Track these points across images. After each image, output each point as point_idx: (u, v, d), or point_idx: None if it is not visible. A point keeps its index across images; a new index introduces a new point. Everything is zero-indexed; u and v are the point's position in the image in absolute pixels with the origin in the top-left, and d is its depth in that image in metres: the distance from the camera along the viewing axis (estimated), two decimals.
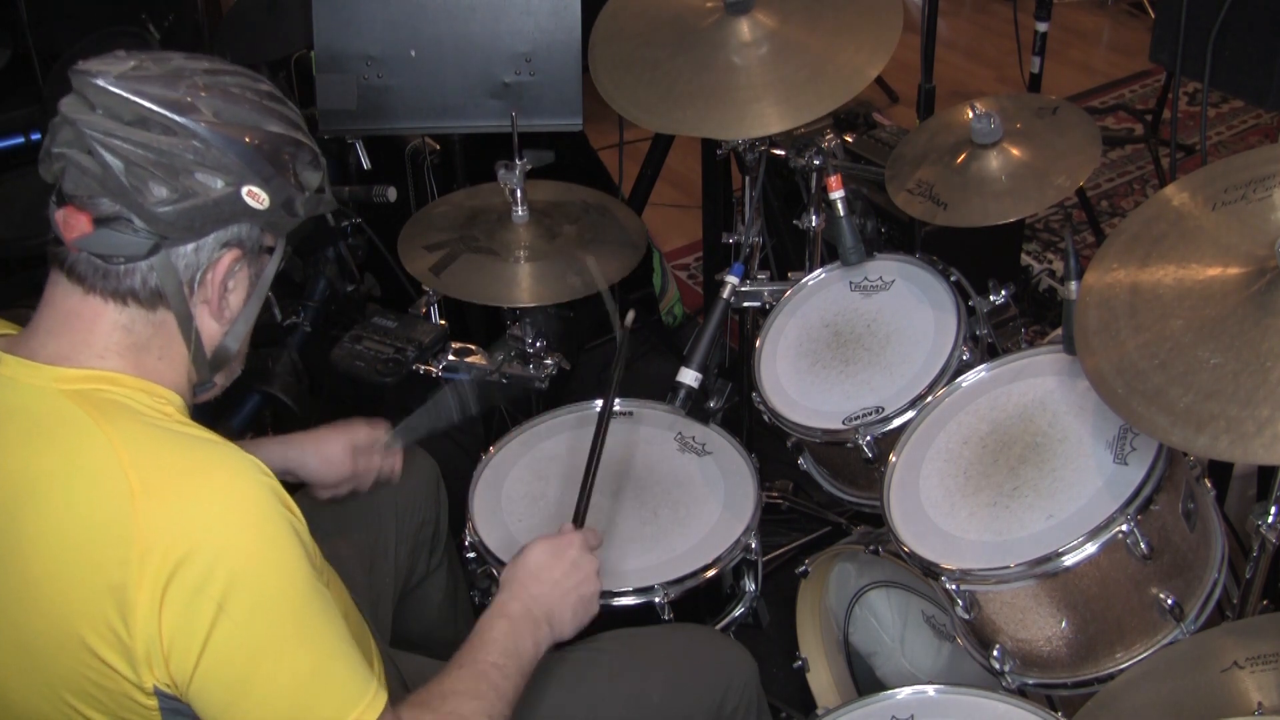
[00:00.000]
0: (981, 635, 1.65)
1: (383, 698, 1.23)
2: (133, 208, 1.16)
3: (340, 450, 1.72)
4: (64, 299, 1.21)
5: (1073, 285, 1.65)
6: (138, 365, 1.22)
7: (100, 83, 1.15)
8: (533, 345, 2.14)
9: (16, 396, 1.19)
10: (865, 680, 2.11)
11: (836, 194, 2.03)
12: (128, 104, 1.15)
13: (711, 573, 1.84)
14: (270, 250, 1.28)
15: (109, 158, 1.15)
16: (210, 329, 1.27)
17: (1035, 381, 1.76)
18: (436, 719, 1.30)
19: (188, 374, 1.27)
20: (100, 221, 1.16)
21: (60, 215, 1.18)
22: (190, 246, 1.20)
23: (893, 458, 1.78)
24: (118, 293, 1.20)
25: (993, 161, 1.97)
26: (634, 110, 2.02)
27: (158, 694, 1.16)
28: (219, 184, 1.18)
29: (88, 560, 1.12)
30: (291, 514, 1.18)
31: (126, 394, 1.20)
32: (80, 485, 1.14)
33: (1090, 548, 1.51)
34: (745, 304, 2.18)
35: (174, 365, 1.25)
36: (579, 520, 1.61)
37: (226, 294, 1.25)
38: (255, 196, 1.21)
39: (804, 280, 2.11)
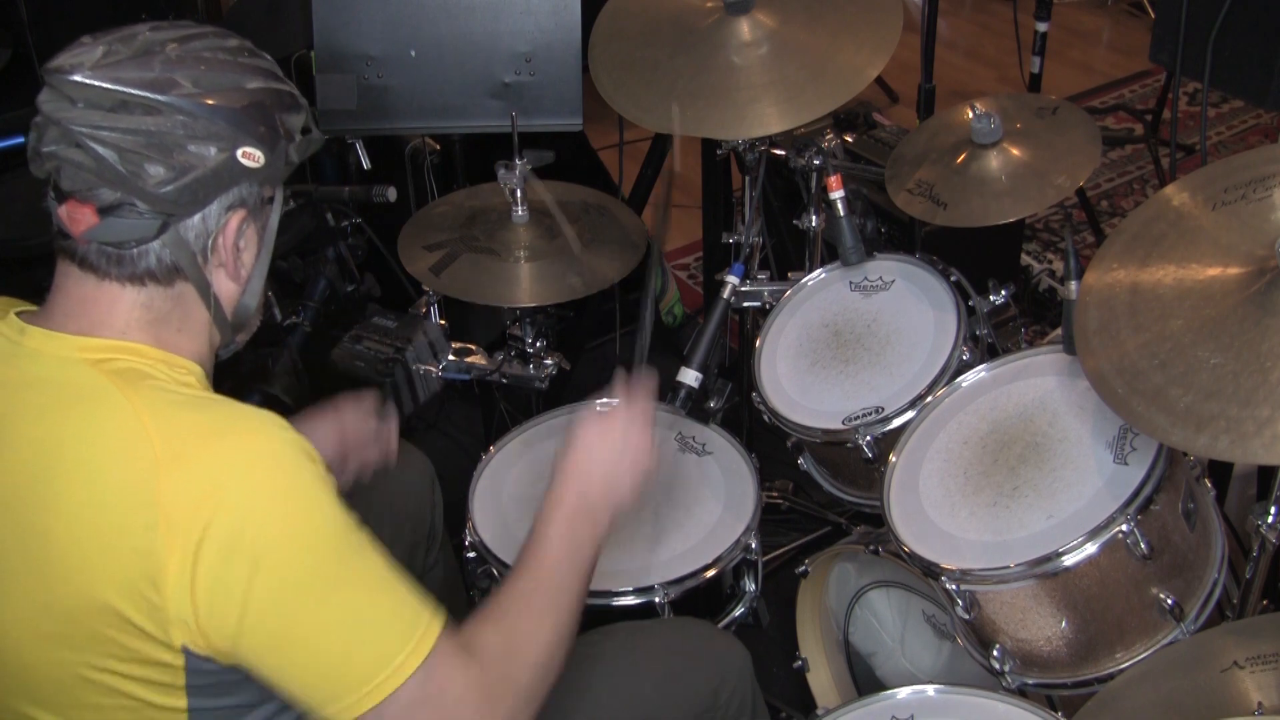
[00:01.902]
0: (981, 635, 1.65)
1: (439, 620, 1.22)
2: (134, 192, 1.16)
3: (328, 436, 1.67)
4: (78, 287, 1.22)
5: (1073, 285, 1.66)
6: (158, 339, 1.23)
7: (76, 78, 1.15)
8: (533, 345, 2.14)
9: (40, 367, 1.20)
10: (865, 680, 2.11)
11: (836, 194, 2.03)
12: (107, 93, 1.15)
13: (711, 573, 1.84)
14: (270, 200, 1.29)
15: (100, 150, 1.15)
16: (228, 290, 1.28)
17: (1035, 381, 1.76)
18: (498, 631, 1.28)
19: (209, 340, 1.28)
20: (104, 211, 1.17)
21: (63, 211, 1.18)
22: (197, 217, 1.21)
23: (893, 458, 1.78)
24: (135, 275, 1.21)
25: (993, 161, 1.97)
26: (634, 110, 2.02)
27: (185, 653, 1.16)
28: (213, 152, 1.19)
29: (114, 525, 1.13)
30: (315, 463, 1.18)
31: (149, 364, 1.21)
32: (105, 451, 1.15)
33: (1090, 548, 1.51)
34: (745, 304, 2.18)
35: (194, 334, 1.26)
36: (637, 365, 1.49)
37: (239, 253, 1.27)
38: (250, 156, 1.21)
39: (804, 280, 2.11)
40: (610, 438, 1.44)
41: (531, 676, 1.29)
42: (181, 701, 1.20)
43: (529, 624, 1.31)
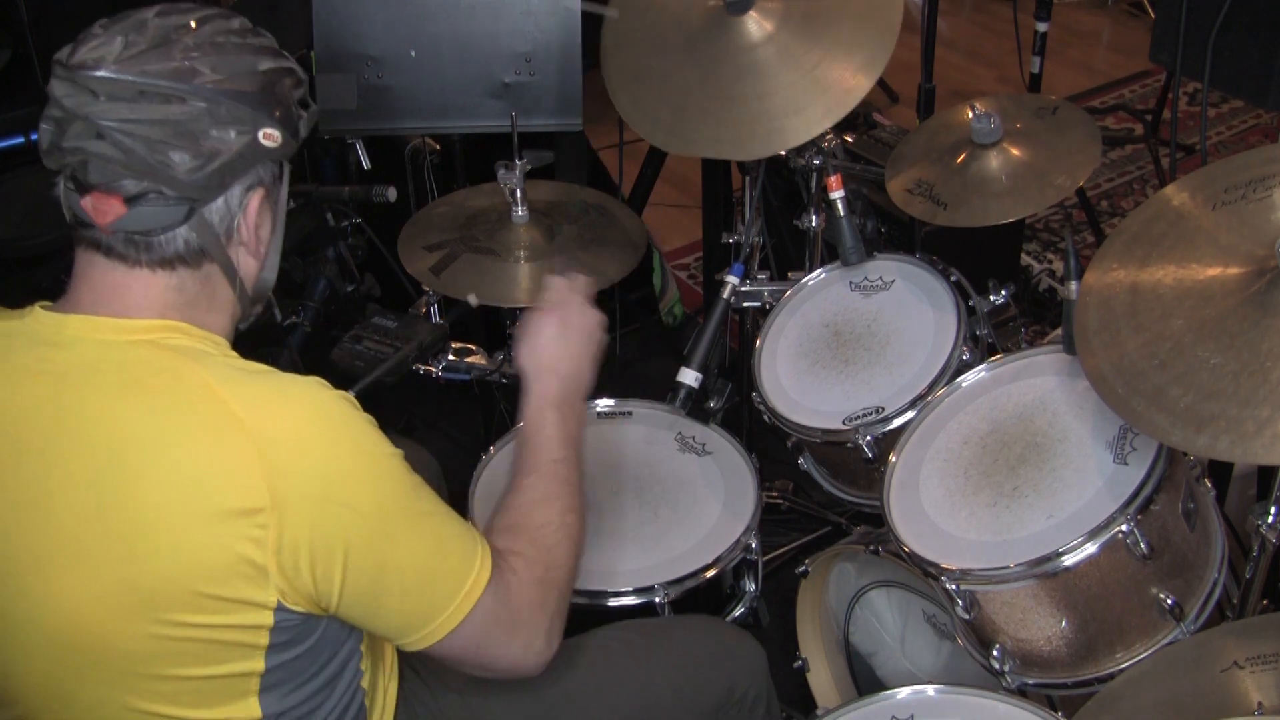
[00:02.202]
0: (981, 635, 1.65)
1: (487, 545, 1.32)
2: (161, 181, 1.19)
3: None
4: (105, 275, 1.23)
5: (1073, 285, 1.65)
6: (193, 319, 1.26)
7: (102, 73, 1.16)
8: None
9: (91, 351, 1.22)
10: (865, 680, 2.11)
11: (836, 194, 2.03)
12: (131, 85, 1.17)
13: (711, 573, 1.84)
14: (281, 176, 1.32)
15: (129, 141, 1.17)
16: (249, 267, 1.32)
17: (1035, 381, 1.76)
18: (529, 539, 1.38)
19: (232, 316, 1.32)
20: (131, 201, 1.19)
21: (88, 203, 1.19)
22: (220, 200, 1.24)
23: (893, 458, 1.78)
24: (164, 260, 1.23)
25: (993, 161, 1.97)
26: (651, 129, 2.02)
27: (278, 609, 1.20)
28: (233, 135, 1.22)
29: (207, 490, 1.15)
30: (361, 409, 1.25)
31: (195, 341, 1.25)
32: (186, 422, 1.17)
33: (1090, 547, 1.51)
34: (745, 304, 2.18)
35: (221, 311, 1.30)
36: (560, 270, 1.64)
37: (258, 230, 1.30)
38: (270, 137, 1.25)
39: (804, 280, 2.11)
40: (565, 328, 1.55)
41: (566, 564, 1.40)
42: (260, 665, 1.24)
43: (549, 528, 1.41)
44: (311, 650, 1.28)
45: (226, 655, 1.22)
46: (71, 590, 1.19)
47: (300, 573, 1.18)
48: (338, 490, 1.19)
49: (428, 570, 1.26)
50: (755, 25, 2.00)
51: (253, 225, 1.28)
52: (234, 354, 1.28)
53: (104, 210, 1.19)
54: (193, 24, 1.23)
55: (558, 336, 1.54)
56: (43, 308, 1.26)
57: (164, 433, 1.17)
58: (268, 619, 1.20)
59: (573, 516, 1.43)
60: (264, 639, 1.22)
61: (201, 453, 1.16)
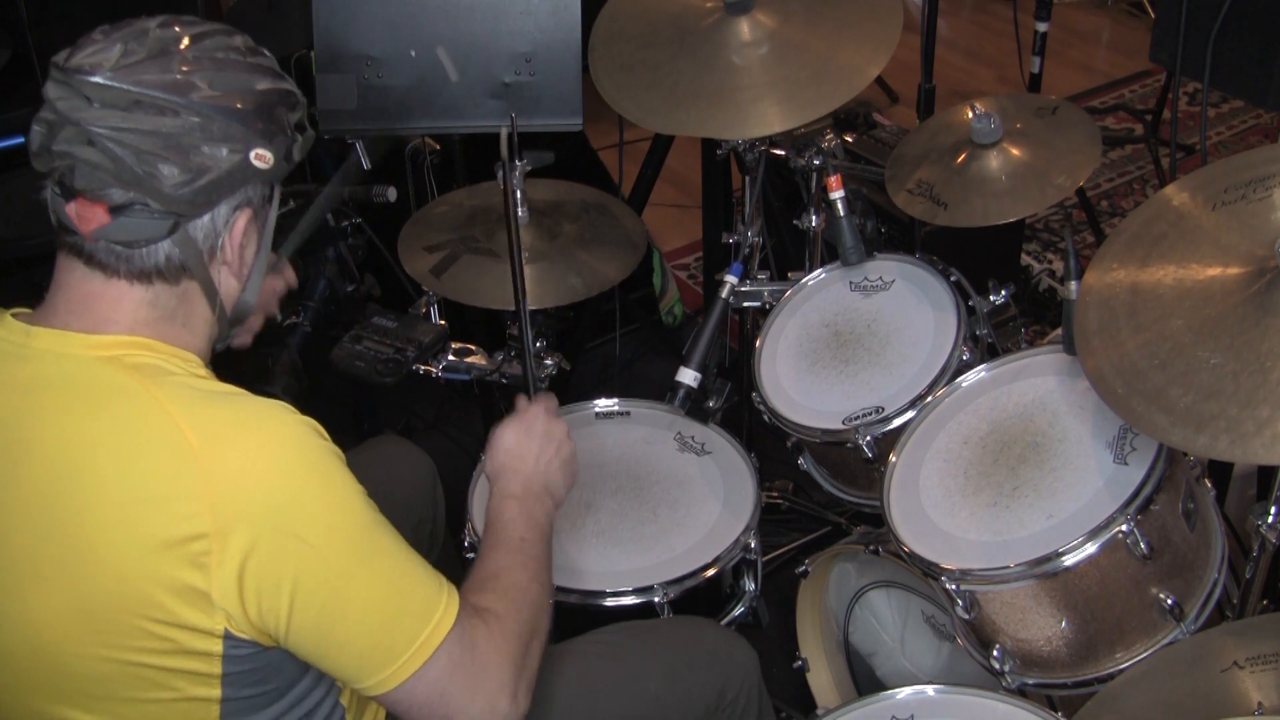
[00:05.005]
0: (981, 635, 1.65)
1: (454, 589, 1.29)
2: (148, 193, 1.17)
3: None
4: (83, 283, 1.22)
5: (1073, 285, 1.66)
6: (164, 334, 1.25)
7: (97, 79, 1.15)
8: (532, 345, 2.14)
9: (54, 367, 1.21)
10: (865, 680, 2.11)
11: (836, 194, 2.03)
12: (125, 94, 1.16)
13: (711, 572, 1.84)
14: (270, 198, 1.31)
15: (118, 150, 1.16)
16: (231, 288, 1.30)
17: (1035, 381, 1.76)
18: (498, 595, 1.35)
19: (209, 335, 1.30)
20: (116, 210, 1.18)
21: (72, 209, 1.18)
22: (206, 217, 1.23)
23: (893, 458, 1.78)
24: (143, 273, 1.22)
25: (993, 161, 1.97)
26: (637, 112, 2.02)
27: (225, 639, 1.18)
28: (225, 153, 1.20)
29: (153, 518, 1.14)
30: (327, 440, 1.23)
31: (163, 359, 1.23)
32: (138, 446, 1.16)
33: (1090, 548, 1.51)
34: (745, 304, 2.18)
35: (196, 330, 1.28)
36: (530, 391, 1.67)
37: (243, 251, 1.28)
38: (262, 158, 1.23)
39: (804, 280, 2.11)
40: (530, 433, 1.56)
41: (535, 626, 1.37)
42: (216, 691, 1.22)
43: (517, 589, 1.38)
44: (275, 686, 1.26)
45: (180, 682, 1.20)
46: (29, 609, 1.19)
47: (245, 601, 1.16)
48: (287, 520, 1.16)
49: (385, 610, 1.23)
50: (755, 24, 2.01)
51: (237, 245, 1.26)
52: (203, 371, 1.26)
53: (88, 218, 1.18)
54: (192, 37, 1.22)
55: (520, 441, 1.55)
56: (14, 315, 1.25)
57: (116, 455, 1.16)
58: (216, 646, 1.19)
59: (539, 588, 1.40)
60: (216, 667, 1.20)
61: (149, 478, 1.15)
